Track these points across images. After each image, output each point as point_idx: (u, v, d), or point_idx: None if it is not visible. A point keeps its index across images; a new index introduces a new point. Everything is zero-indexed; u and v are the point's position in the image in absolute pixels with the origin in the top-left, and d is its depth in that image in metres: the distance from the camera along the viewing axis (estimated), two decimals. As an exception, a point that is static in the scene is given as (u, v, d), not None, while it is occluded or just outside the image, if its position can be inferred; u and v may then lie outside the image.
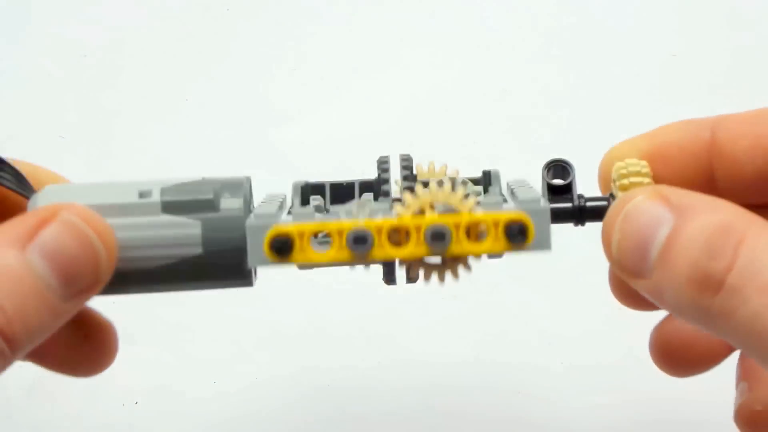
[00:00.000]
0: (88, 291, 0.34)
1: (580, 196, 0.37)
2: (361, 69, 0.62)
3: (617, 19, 0.64)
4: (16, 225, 0.33)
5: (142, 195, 0.35)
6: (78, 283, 0.33)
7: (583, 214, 0.37)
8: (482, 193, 0.37)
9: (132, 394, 0.53)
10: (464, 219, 0.33)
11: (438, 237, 0.33)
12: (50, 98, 0.62)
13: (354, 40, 0.63)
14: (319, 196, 0.37)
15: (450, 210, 0.33)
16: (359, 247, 0.33)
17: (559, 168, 0.37)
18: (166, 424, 0.53)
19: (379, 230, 0.33)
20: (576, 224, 0.37)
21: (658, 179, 0.36)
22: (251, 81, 0.62)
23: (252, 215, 0.34)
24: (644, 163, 0.36)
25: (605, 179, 0.37)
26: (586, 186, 0.37)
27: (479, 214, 0.33)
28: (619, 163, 0.36)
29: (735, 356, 0.39)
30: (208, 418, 0.53)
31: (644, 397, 0.51)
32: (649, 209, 0.33)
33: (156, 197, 0.35)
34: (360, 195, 0.37)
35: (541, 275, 0.55)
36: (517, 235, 0.33)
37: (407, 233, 0.33)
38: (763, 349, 0.30)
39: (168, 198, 0.35)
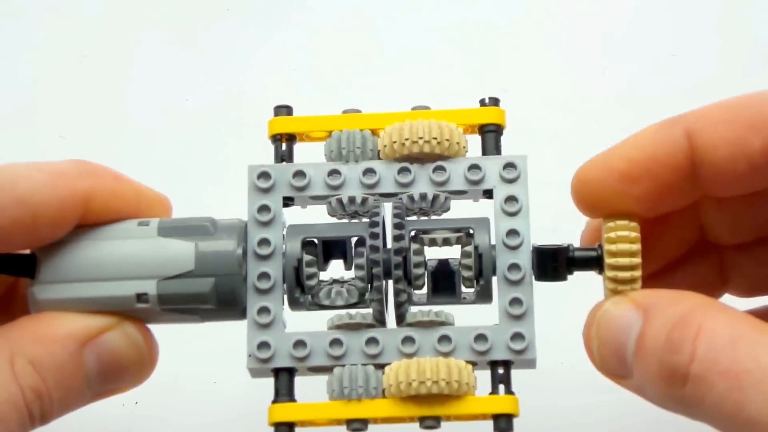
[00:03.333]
0: (117, 392, 0.38)
1: (569, 248, 0.38)
2: (362, 69, 0.62)
3: (617, 19, 0.64)
4: (83, 320, 0.36)
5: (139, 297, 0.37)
6: (113, 387, 0.37)
7: (573, 265, 0.38)
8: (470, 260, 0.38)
9: (132, 394, 0.53)
10: (456, 411, 0.36)
11: (430, 426, 0.36)
12: (50, 98, 0.62)
13: (355, 40, 0.63)
14: (312, 257, 0.38)
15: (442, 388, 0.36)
16: (356, 430, 0.37)
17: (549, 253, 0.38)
18: (166, 424, 0.53)
19: (375, 419, 0.37)
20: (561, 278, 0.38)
21: (640, 197, 0.36)
22: (251, 81, 0.62)
23: (251, 356, 0.37)
24: (634, 225, 0.36)
25: (581, 198, 0.37)
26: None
27: (470, 405, 0.36)
28: (610, 224, 0.37)
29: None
30: (208, 418, 0.53)
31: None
32: (618, 314, 0.35)
33: (153, 292, 0.37)
34: (355, 249, 0.38)
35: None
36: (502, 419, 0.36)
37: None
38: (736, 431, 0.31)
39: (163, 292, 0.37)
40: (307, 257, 0.38)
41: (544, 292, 0.38)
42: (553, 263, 0.37)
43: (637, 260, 0.36)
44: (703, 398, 0.32)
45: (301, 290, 0.38)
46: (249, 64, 0.63)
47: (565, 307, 0.42)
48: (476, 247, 0.37)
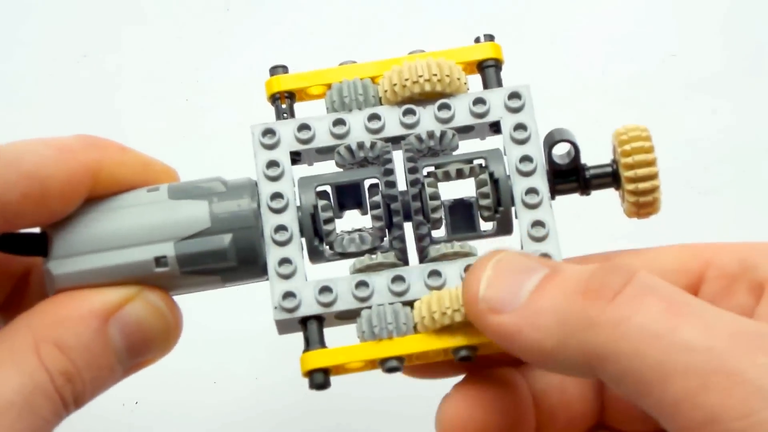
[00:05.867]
0: (147, 364, 0.37)
1: (584, 167, 0.37)
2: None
3: (617, 18, 0.64)
4: (103, 295, 0.35)
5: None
6: (142, 359, 0.36)
7: (588, 185, 0.38)
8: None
9: (132, 394, 0.53)
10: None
11: (465, 358, 0.36)
12: (50, 98, 0.62)
13: (355, 39, 0.63)
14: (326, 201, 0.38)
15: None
16: (391, 369, 0.36)
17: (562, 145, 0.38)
18: (166, 424, 0.53)
19: (409, 356, 0.36)
20: (581, 194, 0.38)
21: None
22: (251, 81, 0.62)
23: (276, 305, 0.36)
24: (644, 127, 0.36)
25: None
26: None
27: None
28: (620, 129, 0.37)
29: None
30: (208, 418, 0.53)
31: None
32: (523, 258, 0.34)
33: (172, 253, 0.36)
34: (369, 198, 0.38)
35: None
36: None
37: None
38: (652, 358, 0.30)
39: (182, 252, 0.36)
40: (321, 202, 0.37)
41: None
42: (570, 177, 0.37)
43: (656, 169, 0.36)
44: (628, 317, 0.30)
45: (319, 240, 0.37)
46: (249, 64, 0.63)
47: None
48: (491, 175, 0.37)
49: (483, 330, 0.34)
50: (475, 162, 0.38)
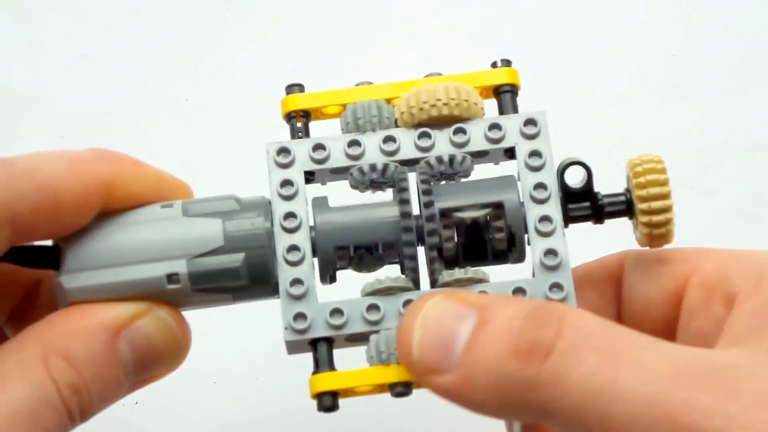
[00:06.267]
0: (154, 380, 0.37)
1: (597, 195, 0.37)
2: (364, 69, 0.62)
3: (618, 18, 0.64)
4: (113, 309, 0.35)
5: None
6: (150, 374, 0.37)
7: (602, 214, 0.38)
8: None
9: (132, 394, 0.53)
10: None
11: None
12: (50, 98, 0.62)
13: (355, 40, 0.63)
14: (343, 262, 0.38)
15: None
16: (399, 394, 0.36)
17: (575, 168, 0.38)
18: (166, 424, 0.53)
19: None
20: (595, 223, 0.38)
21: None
22: (251, 81, 0.62)
23: (286, 328, 0.36)
24: (659, 158, 0.36)
25: None
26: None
27: None
28: (634, 159, 0.36)
29: None
30: (208, 418, 0.53)
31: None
32: (448, 307, 0.33)
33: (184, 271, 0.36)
34: (382, 252, 0.37)
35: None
36: None
37: None
38: (596, 413, 0.29)
39: (195, 270, 0.36)
40: (340, 263, 0.37)
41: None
42: (583, 202, 0.37)
43: (670, 202, 0.36)
44: (566, 374, 0.30)
45: (332, 279, 0.38)
46: (249, 64, 0.63)
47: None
48: (503, 209, 0.37)
49: (426, 388, 0.34)
50: (490, 205, 0.37)
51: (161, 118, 0.61)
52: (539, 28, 0.63)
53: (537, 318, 0.32)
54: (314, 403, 0.36)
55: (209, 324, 0.54)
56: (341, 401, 0.36)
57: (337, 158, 0.38)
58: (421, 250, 0.37)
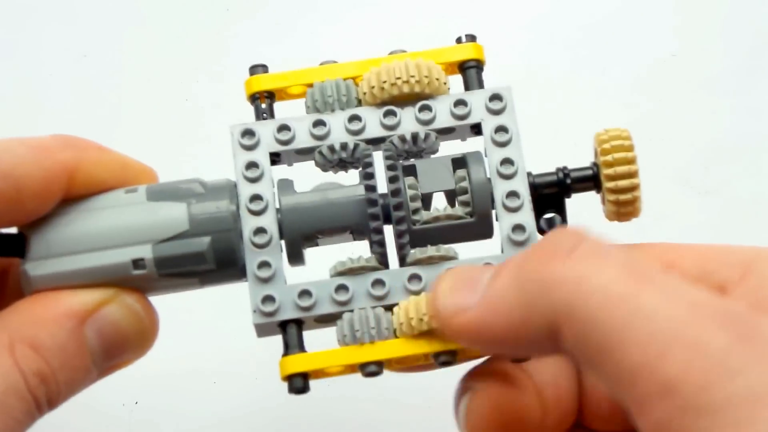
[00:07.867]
0: (122, 366, 0.37)
1: (564, 169, 0.38)
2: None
3: (618, 18, 0.64)
4: (79, 296, 0.35)
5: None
6: (117, 360, 0.36)
7: (568, 187, 0.38)
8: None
9: (132, 394, 0.53)
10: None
11: (446, 363, 0.36)
12: (50, 98, 0.62)
13: (355, 40, 0.63)
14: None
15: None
16: (371, 374, 0.36)
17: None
18: (166, 424, 0.53)
19: (389, 360, 0.36)
20: (563, 196, 0.38)
21: None
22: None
23: (256, 312, 0.37)
24: (624, 129, 0.36)
25: None
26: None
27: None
28: (600, 133, 0.37)
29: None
30: (208, 418, 0.53)
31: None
32: (476, 267, 0.35)
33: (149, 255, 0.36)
34: (351, 233, 0.38)
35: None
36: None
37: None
38: (615, 321, 0.29)
39: (160, 254, 0.36)
40: (307, 243, 0.37)
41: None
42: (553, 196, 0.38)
43: (635, 167, 0.36)
44: (588, 276, 0.29)
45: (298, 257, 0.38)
46: (249, 63, 0.63)
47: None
48: (471, 182, 0.37)
49: (453, 338, 0.34)
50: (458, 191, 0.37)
51: (161, 118, 0.61)
52: (539, 28, 0.63)
53: (557, 231, 0.32)
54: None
55: (209, 324, 0.55)
56: (315, 383, 0.36)
57: (303, 139, 0.38)
58: (388, 229, 0.37)
